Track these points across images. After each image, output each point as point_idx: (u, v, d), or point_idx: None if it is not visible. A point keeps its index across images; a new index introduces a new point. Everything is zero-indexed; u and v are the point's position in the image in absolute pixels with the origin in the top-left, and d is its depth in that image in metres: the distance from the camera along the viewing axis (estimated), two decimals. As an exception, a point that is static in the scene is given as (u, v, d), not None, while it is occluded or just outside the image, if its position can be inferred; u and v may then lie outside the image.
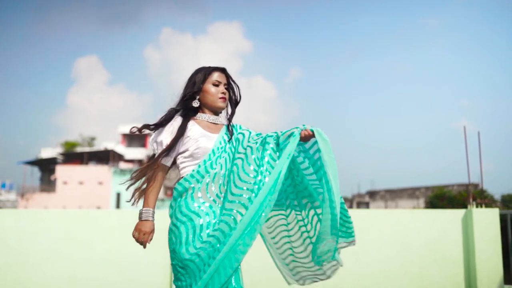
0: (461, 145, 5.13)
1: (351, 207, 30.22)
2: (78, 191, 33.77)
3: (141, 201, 2.16)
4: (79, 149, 39.62)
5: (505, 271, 4.79)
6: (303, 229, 2.24)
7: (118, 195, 33.93)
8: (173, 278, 2.07)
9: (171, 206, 2.12)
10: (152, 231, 2.09)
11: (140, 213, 2.09)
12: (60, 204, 32.85)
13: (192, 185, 2.05)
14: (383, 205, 30.69)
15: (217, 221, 2.00)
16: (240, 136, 2.17)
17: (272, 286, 4.64)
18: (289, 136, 2.06)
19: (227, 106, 2.26)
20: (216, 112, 2.23)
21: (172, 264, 2.05)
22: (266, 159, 2.04)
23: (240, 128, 2.23)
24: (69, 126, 64.02)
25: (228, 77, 2.25)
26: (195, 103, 2.19)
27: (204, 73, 2.20)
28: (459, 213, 4.77)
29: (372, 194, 32.57)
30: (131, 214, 4.68)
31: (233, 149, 2.14)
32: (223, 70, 2.24)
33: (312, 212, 2.20)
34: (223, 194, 2.07)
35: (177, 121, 2.15)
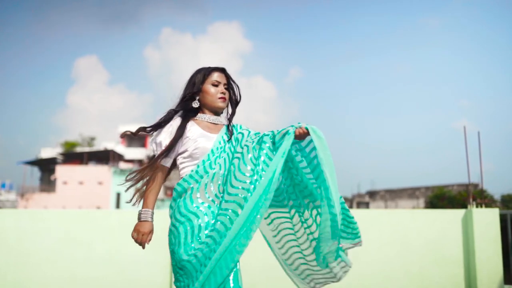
0: (461, 145, 5.14)
1: (351, 207, 30.21)
2: (78, 191, 33.76)
3: (141, 201, 2.16)
4: (79, 149, 39.61)
5: (505, 271, 4.79)
6: (308, 230, 2.22)
7: (118, 195, 33.93)
8: (173, 279, 2.07)
9: (171, 207, 2.12)
10: (151, 231, 2.09)
11: (139, 214, 2.10)
12: (60, 204, 32.84)
13: (191, 186, 2.05)
14: (383, 205, 30.69)
15: (214, 221, 2.00)
16: (240, 136, 2.17)
17: (272, 286, 4.64)
18: (284, 134, 2.04)
19: (227, 106, 2.26)
20: (216, 112, 2.22)
21: (172, 265, 2.06)
22: (262, 158, 2.03)
23: (241, 128, 2.22)
24: (69, 126, 64.06)
25: (227, 77, 2.24)
26: (195, 104, 2.19)
27: (203, 73, 2.20)
28: (459, 213, 4.77)
29: (372, 194, 32.57)
30: (131, 214, 4.68)
31: (232, 149, 2.13)
32: (222, 70, 2.24)
33: (315, 211, 2.18)
34: (221, 194, 2.06)
35: (176, 121, 2.15)
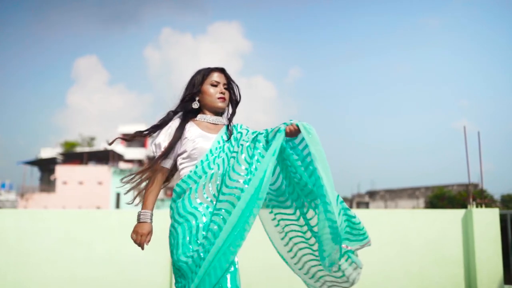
0: (461, 145, 5.13)
1: (351, 207, 30.19)
2: (78, 191, 33.76)
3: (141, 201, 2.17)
4: (78, 149, 39.61)
5: (505, 271, 4.79)
6: (315, 229, 2.17)
7: (118, 195, 33.91)
8: (174, 280, 2.07)
9: (171, 208, 2.13)
10: (150, 232, 2.10)
11: (138, 215, 2.10)
12: (59, 204, 32.83)
13: (190, 186, 2.05)
14: (383, 205, 30.70)
15: (210, 222, 2.00)
16: (239, 136, 2.16)
17: (272, 286, 4.64)
18: (276, 132, 2.03)
19: (228, 106, 2.26)
20: (216, 112, 2.22)
21: (172, 266, 2.06)
22: (256, 157, 2.01)
23: (240, 127, 2.22)
24: (68, 126, 64.04)
25: (227, 77, 2.24)
26: (195, 105, 2.20)
27: (202, 74, 2.21)
28: (459, 213, 4.77)
29: (372, 194, 32.57)
30: (131, 214, 4.68)
31: (231, 148, 2.13)
32: (221, 70, 2.23)
33: (316, 210, 2.14)
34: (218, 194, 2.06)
35: (175, 123, 2.16)
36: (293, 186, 2.18)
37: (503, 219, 5.22)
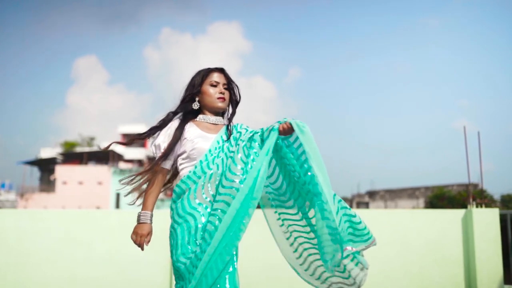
0: (461, 145, 5.13)
1: (350, 207, 30.12)
2: (78, 191, 33.75)
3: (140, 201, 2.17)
4: (78, 149, 39.61)
5: (505, 271, 4.80)
6: (316, 229, 2.12)
7: (118, 195, 33.91)
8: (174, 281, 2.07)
9: (171, 208, 2.13)
10: (149, 233, 2.10)
11: (138, 216, 2.11)
12: (59, 204, 32.82)
13: (189, 187, 2.05)
14: (382, 205, 30.69)
15: (207, 222, 1.99)
16: (238, 135, 2.16)
17: (272, 286, 4.64)
18: (270, 131, 2.02)
19: (228, 106, 2.25)
20: (216, 113, 2.22)
21: (172, 266, 2.07)
22: (252, 157, 2.00)
23: (240, 127, 2.21)
24: (68, 126, 64.02)
25: (227, 77, 2.23)
26: (195, 105, 2.20)
27: (202, 74, 2.21)
28: (459, 213, 4.77)
29: (372, 194, 32.55)
30: (131, 214, 4.68)
31: (230, 148, 2.12)
32: (221, 71, 2.23)
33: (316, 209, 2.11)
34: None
35: (174, 123, 2.17)
36: (294, 184, 2.16)
37: (503, 219, 5.22)
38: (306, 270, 2.19)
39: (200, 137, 2.11)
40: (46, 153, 39.54)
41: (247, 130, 2.18)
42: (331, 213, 1.92)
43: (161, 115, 2.21)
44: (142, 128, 37.66)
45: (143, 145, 39.56)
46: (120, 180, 2.15)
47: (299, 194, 2.15)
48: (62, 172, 34.66)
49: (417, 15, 62.78)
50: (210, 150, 2.08)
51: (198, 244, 1.96)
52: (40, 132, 65.40)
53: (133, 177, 2.16)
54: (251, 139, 2.05)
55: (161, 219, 3.34)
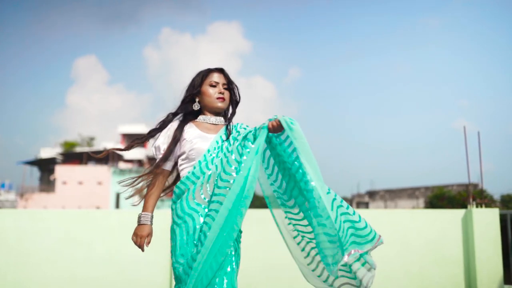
0: (461, 145, 5.14)
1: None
2: (78, 191, 33.75)
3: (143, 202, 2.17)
4: (78, 149, 39.59)
5: (505, 271, 4.80)
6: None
7: (118, 195, 33.91)
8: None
9: (171, 209, 2.14)
10: (150, 234, 2.11)
11: (139, 217, 2.12)
12: (59, 204, 32.83)
13: (188, 187, 2.05)
14: (382, 205, 30.69)
15: (203, 223, 1.99)
16: (236, 135, 2.15)
17: (272, 286, 4.64)
18: (261, 129, 2.00)
19: (228, 106, 2.25)
20: (216, 113, 2.22)
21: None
22: (245, 157, 1.98)
23: (240, 126, 2.21)
24: (68, 126, 64.00)
25: (227, 77, 2.23)
26: (195, 106, 2.20)
27: (202, 75, 2.21)
28: (459, 213, 4.77)
29: (372, 194, 32.56)
30: (131, 214, 4.68)
31: (229, 148, 2.11)
32: (221, 71, 2.23)
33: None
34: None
35: (174, 125, 2.17)
36: (293, 183, 2.14)
37: (503, 219, 5.22)
38: (313, 270, 2.13)
39: (199, 138, 2.11)
40: (46, 153, 39.53)
41: (245, 129, 2.17)
42: (325, 210, 1.90)
43: (161, 116, 2.22)
44: (142, 128, 37.69)
45: (143, 145, 39.59)
46: (120, 182, 2.16)
47: (298, 193, 2.12)
48: (62, 172, 34.66)
49: (417, 15, 62.80)
50: (208, 150, 2.08)
51: (196, 244, 1.96)
52: (40, 132, 65.42)
53: (134, 179, 2.17)
54: (244, 138, 2.04)
55: (161, 219, 3.34)
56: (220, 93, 2.18)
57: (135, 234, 2.10)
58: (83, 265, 4.63)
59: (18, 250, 4.64)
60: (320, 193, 1.92)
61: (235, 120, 2.26)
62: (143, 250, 2.12)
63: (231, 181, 1.95)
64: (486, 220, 4.58)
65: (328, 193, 2.01)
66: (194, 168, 2.06)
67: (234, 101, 2.26)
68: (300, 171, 1.99)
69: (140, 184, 2.16)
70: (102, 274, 4.62)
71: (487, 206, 4.95)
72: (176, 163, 2.18)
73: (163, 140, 2.15)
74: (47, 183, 37.57)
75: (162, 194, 2.23)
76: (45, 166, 39.35)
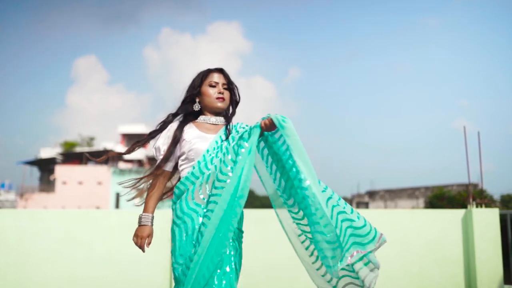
0: (461, 145, 5.13)
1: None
2: (77, 191, 33.74)
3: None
4: (78, 149, 39.58)
5: (505, 271, 4.80)
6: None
7: (118, 195, 33.90)
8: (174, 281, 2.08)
9: (172, 209, 2.14)
10: (150, 235, 2.11)
11: (140, 218, 2.12)
12: (59, 204, 32.82)
13: (187, 188, 2.05)
14: (382, 205, 30.69)
15: (201, 224, 1.98)
16: (236, 134, 2.15)
17: (272, 286, 4.64)
18: (254, 128, 2.00)
19: (229, 106, 2.24)
20: (216, 113, 2.21)
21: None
22: (240, 157, 1.98)
23: (240, 126, 2.21)
24: (68, 126, 64.00)
25: (227, 77, 2.23)
26: (196, 107, 2.20)
27: (201, 75, 2.21)
28: (459, 213, 4.77)
29: (372, 194, 32.55)
30: (131, 214, 4.68)
31: (228, 148, 2.12)
32: (220, 71, 2.23)
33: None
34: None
35: (173, 126, 2.17)
36: (291, 181, 2.11)
37: (503, 219, 5.22)
38: (318, 269, 2.10)
39: (198, 138, 2.11)
40: (46, 153, 39.52)
41: (244, 129, 2.17)
42: (320, 208, 1.89)
43: (161, 117, 2.22)
44: (142, 128, 37.67)
45: (143, 145, 39.50)
46: (121, 184, 2.16)
47: (295, 191, 2.09)
48: (61, 172, 34.65)
49: (417, 15, 62.82)
50: (208, 150, 2.07)
51: (194, 245, 1.96)
52: (40, 132, 65.42)
53: (135, 181, 2.17)
54: (240, 138, 2.03)
55: (161, 219, 3.34)
56: (220, 93, 2.17)
57: (136, 235, 2.11)
58: (83, 265, 4.63)
59: (18, 250, 4.64)
60: (314, 191, 1.91)
61: (235, 120, 2.26)
62: (143, 251, 2.12)
63: (227, 181, 1.94)
64: (486, 220, 4.58)
65: (323, 191, 2.00)
66: (193, 168, 2.05)
67: (234, 101, 2.26)
68: (294, 169, 1.98)
69: (142, 186, 2.17)
70: (102, 274, 4.62)
71: (487, 206, 4.95)
72: (177, 164, 2.18)
73: (163, 141, 2.15)
74: (47, 183, 37.56)
75: (164, 197, 2.23)
76: (45, 166, 39.34)
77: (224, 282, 1.92)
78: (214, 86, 2.18)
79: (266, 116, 2.01)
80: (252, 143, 1.96)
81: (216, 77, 2.20)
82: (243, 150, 1.97)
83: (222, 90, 2.18)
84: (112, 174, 34.11)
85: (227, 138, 2.13)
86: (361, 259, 2.00)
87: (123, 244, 4.63)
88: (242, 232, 2.12)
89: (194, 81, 2.22)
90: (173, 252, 2.02)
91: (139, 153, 38.31)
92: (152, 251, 4.08)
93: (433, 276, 4.64)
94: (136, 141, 2.21)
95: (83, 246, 4.68)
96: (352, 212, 2.03)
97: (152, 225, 2.12)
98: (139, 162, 38.12)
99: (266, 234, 4.65)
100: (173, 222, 2.06)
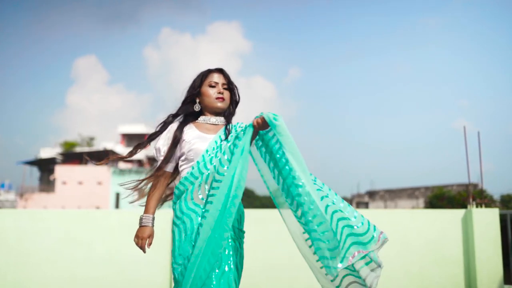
0: (461, 145, 5.14)
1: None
2: (77, 191, 33.72)
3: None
4: (78, 149, 39.57)
5: (505, 271, 4.80)
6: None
7: (117, 195, 33.89)
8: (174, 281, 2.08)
9: (172, 210, 2.14)
10: (151, 236, 2.12)
11: (140, 219, 2.13)
12: (59, 204, 32.81)
13: (187, 188, 2.06)
14: (382, 205, 30.69)
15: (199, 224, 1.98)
16: (235, 134, 2.15)
17: (272, 286, 4.64)
18: (248, 127, 2.00)
19: (229, 106, 2.24)
20: (216, 113, 2.21)
21: None
22: (234, 156, 1.98)
23: (239, 126, 2.21)
24: (68, 126, 63.97)
25: (227, 77, 2.23)
26: (196, 107, 2.20)
27: (201, 76, 2.21)
28: (459, 213, 4.77)
29: (372, 194, 32.55)
30: (131, 214, 4.68)
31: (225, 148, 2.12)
32: (220, 71, 2.23)
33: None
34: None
35: (173, 126, 2.18)
36: (286, 179, 2.09)
37: (503, 219, 5.22)
38: (321, 267, 2.04)
39: (198, 138, 2.11)
40: (45, 153, 39.51)
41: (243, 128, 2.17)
42: (312, 209, 1.89)
43: (161, 118, 2.22)
44: (141, 128, 37.65)
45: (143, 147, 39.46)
46: (122, 185, 2.16)
47: (290, 190, 2.07)
48: (61, 172, 34.63)
49: (417, 15, 62.79)
50: (207, 151, 2.07)
51: (192, 246, 1.96)
52: (40, 132, 65.38)
53: (136, 183, 2.18)
54: (236, 137, 2.04)
55: (161, 219, 3.34)
56: (220, 93, 2.17)
57: (137, 236, 2.11)
58: (83, 265, 4.63)
59: (18, 250, 4.64)
60: (308, 189, 1.91)
61: (235, 120, 2.26)
62: (144, 252, 2.12)
63: (222, 181, 1.94)
64: (486, 220, 4.58)
65: (318, 189, 1.99)
66: (193, 168, 2.06)
67: (234, 101, 2.26)
68: (287, 167, 1.97)
69: (143, 187, 2.17)
70: (102, 274, 4.62)
71: (487, 206, 4.95)
72: (177, 165, 2.19)
73: (163, 142, 2.16)
74: (47, 183, 37.55)
75: (169, 199, 2.23)
76: (45, 166, 39.33)
77: (222, 281, 1.92)
78: (214, 86, 2.19)
79: (259, 114, 2.01)
80: (245, 143, 1.96)
81: (216, 77, 2.20)
82: (237, 149, 1.97)
83: (222, 90, 2.19)
84: (112, 174, 34.10)
85: (226, 138, 2.13)
86: (363, 257, 1.96)
87: (123, 244, 4.63)
88: (243, 232, 2.12)
89: (194, 81, 2.22)
90: (173, 252, 2.03)
91: (139, 153, 38.24)
92: (152, 251, 4.09)
93: (433, 276, 4.64)
94: (137, 144, 2.21)
95: (83, 246, 4.68)
96: (348, 211, 1.99)
97: (153, 226, 2.13)
98: (139, 162, 38.11)
99: (266, 234, 4.65)
100: (173, 223, 2.07)
